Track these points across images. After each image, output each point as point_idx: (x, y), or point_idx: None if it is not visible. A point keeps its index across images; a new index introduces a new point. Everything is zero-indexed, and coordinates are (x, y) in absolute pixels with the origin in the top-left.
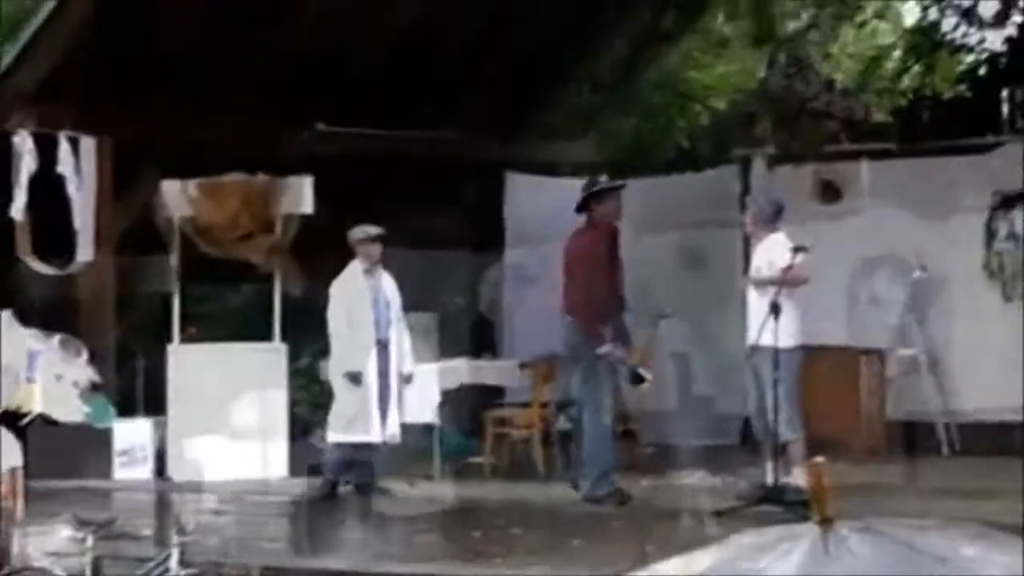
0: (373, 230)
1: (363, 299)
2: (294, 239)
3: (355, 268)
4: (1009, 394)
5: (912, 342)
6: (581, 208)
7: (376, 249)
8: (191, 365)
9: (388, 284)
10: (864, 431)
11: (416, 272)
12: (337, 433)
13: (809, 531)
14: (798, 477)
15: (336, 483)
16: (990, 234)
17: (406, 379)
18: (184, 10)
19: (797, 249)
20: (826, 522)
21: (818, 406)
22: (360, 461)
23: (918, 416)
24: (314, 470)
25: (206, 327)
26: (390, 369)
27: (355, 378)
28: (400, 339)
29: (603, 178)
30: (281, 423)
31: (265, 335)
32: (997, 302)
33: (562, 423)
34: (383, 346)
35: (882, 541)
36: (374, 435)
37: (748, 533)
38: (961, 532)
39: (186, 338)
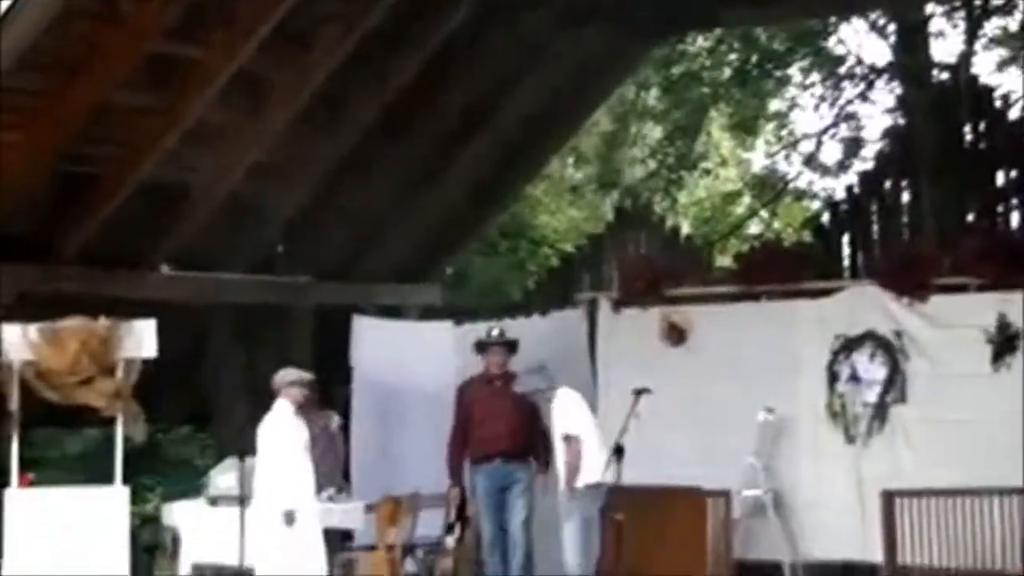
0: (302, 375)
1: (298, 440)
2: (136, 382)
3: (285, 409)
4: (852, 534)
5: (758, 483)
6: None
7: (301, 392)
8: (29, 510)
9: (309, 425)
10: (711, 572)
11: (258, 416)
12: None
13: None
14: None
15: None
16: (832, 376)
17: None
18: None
19: (640, 391)
20: None
21: (665, 547)
22: None
23: (765, 556)
24: None
25: (47, 472)
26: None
27: (290, 517)
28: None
29: (495, 330)
30: (122, 568)
31: (107, 479)
32: (841, 443)
33: (409, 566)
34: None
35: None
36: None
37: None
38: None
39: (24, 484)
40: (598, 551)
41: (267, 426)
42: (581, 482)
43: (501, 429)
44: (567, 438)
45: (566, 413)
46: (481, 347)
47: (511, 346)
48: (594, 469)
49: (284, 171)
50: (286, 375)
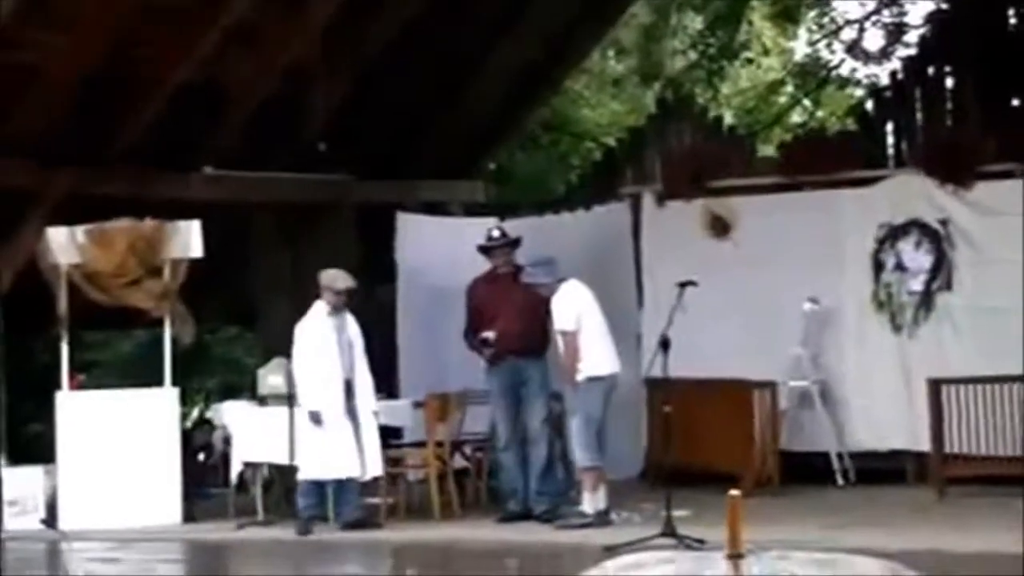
0: (341, 282)
1: (329, 339)
2: (183, 283)
3: (320, 309)
4: (899, 423)
5: (805, 374)
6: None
7: (339, 297)
8: (81, 412)
9: (351, 325)
10: (758, 463)
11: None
12: (312, 472)
13: (718, 563)
14: (586, 502)
15: (311, 520)
16: (878, 266)
17: (374, 415)
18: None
19: (684, 284)
20: (737, 556)
21: (712, 438)
22: (345, 498)
23: (812, 447)
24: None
25: (96, 374)
26: (357, 407)
27: (315, 417)
28: (364, 378)
29: (495, 231)
30: (174, 469)
31: (156, 380)
32: (887, 333)
33: (458, 461)
34: (348, 385)
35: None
36: (352, 471)
37: (655, 562)
38: (867, 564)
39: (74, 385)
40: (596, 444)
41: (300, 327)
42: (582, 376)
43: (511, 327)
44: (562, 333)
45: (562, 308)
46: (484, 251)
47: (514, 243)
48: (597, 363)
49: (324, 68)
50: (328, 276)
